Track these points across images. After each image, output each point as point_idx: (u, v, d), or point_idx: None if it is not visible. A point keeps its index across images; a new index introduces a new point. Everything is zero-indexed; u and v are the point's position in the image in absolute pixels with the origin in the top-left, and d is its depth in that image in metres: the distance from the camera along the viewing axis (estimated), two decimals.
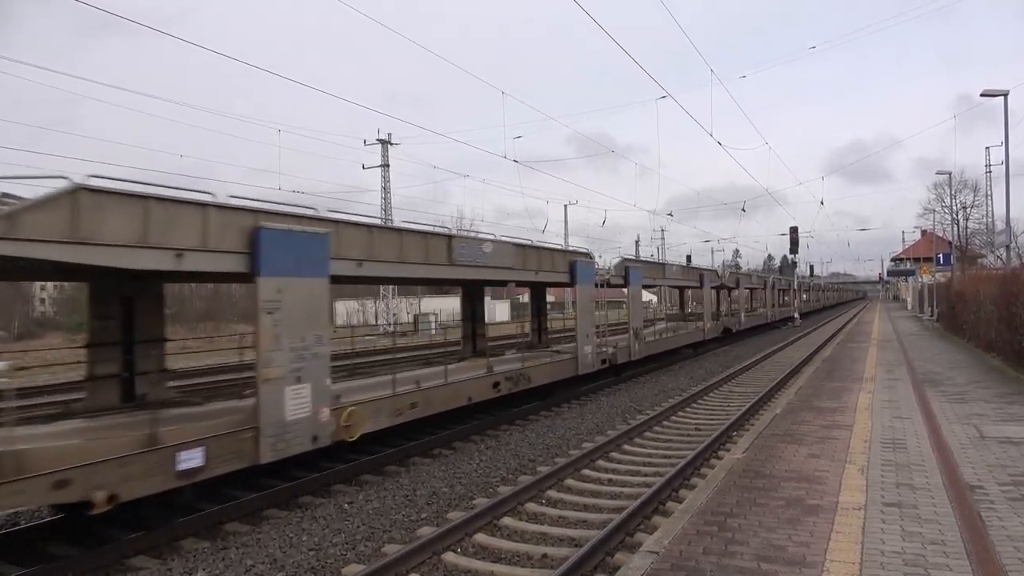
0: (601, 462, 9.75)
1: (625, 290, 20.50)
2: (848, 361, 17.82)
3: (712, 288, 29.72)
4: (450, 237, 11.51)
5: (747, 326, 35.20)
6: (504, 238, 13.53)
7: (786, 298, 51.56)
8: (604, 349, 16.98)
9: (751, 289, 40.06)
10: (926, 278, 42.71)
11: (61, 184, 6.12)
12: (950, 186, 45.20)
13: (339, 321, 58.57)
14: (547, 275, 14.73)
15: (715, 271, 32.56)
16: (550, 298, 25.30)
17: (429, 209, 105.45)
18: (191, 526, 7.15)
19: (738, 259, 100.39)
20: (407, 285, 14.39)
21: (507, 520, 7.31)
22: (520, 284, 15.85)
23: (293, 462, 8.75)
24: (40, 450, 6.05)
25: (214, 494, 8.22)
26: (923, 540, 4.93)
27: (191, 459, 6.86)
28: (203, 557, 6.49)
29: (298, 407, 7.91)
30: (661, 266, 25.13)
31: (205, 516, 7.38)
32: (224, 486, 8.46)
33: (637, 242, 68.68)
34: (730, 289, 34.73)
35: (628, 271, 19.24)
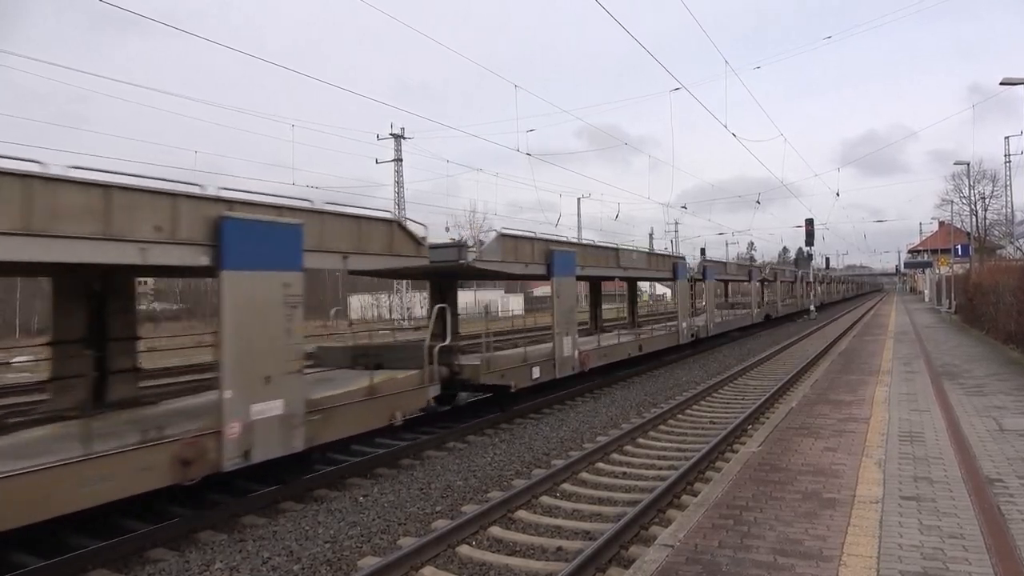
0: (615, 455, 9.74)
1: (671, 283, 25.96)
2: (864, 354, 17.68)
3: (757, 281, 34.93)
4: (617, 250, 17.33)
5: (783, 313, 41.05)
6: (643, 249, 19.48)
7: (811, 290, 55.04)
8: (693, 327, 22.37)
9: (782, 282, 44.03)
10: (943, 270, 42.16)
11: (494, 234, 12.02)
12: (968, 176, 44.71)
13: (353, 316, 58.63)
14: (660, 272, 20.95)
15: (759, 267, 38.83)
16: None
17: (441, 203, 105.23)
18: (209, 519, 7.22)
19: (753, 252, 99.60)
20: (599, 281, 21.64)
21: (521, 513, 7.32)
22: (647, 279, 23.16)
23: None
24: (494, 359, 12.10)
25: (231, 488, 8.30)
26: (941, 534, 4.88)
27: (535, 373, 12.70)
28: (220, 549, 6.55)
29: (568, 349, 13.68)
30: (724, 264, 31.56)
31: (222, 509, 7.46)
32: (242, 479, 8.54)
33: (651, 235, 68.36)
34: (768, 282, 39.30)
35: (705, 269, 25.62)
